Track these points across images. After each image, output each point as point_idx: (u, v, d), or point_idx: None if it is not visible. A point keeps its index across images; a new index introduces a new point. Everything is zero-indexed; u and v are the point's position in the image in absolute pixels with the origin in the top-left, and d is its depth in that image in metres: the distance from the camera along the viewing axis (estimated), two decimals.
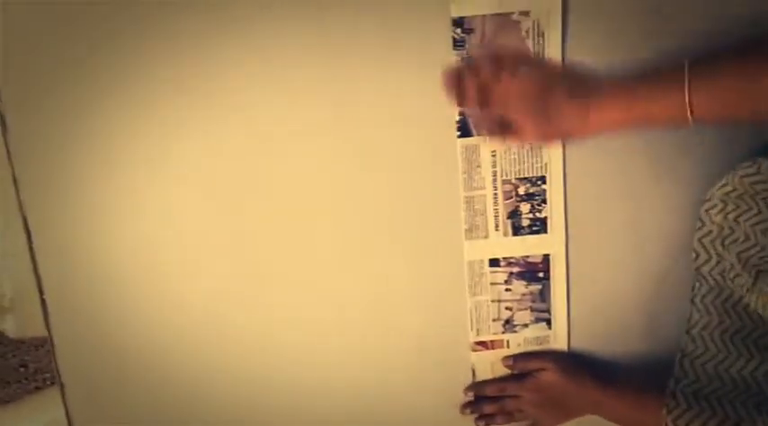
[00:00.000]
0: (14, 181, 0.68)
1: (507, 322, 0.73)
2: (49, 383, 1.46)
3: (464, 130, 0.67)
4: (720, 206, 0.63)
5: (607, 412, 0.69)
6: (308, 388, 0.76)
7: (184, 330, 0.72)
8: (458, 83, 0.62)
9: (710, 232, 0.64)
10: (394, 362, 0.75)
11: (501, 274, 0.71)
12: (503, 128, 0.63)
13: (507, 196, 0.69)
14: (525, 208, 0.69)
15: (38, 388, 1.46)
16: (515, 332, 0.73)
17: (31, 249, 0.69)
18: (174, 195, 0.68)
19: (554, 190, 0.69)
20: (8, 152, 0.67)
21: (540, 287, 0.72)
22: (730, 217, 0.63)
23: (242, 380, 0.75)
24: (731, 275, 0.62)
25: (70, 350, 0.72)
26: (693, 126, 0.56)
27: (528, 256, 0.71)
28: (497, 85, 0.61)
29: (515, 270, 0.71)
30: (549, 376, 0.72)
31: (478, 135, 0.66)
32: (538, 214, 0.70)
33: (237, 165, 0.68)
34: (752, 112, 0.55)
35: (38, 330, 0.74)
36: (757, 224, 0.60)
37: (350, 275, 0.72)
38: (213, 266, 0.71)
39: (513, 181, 0.68)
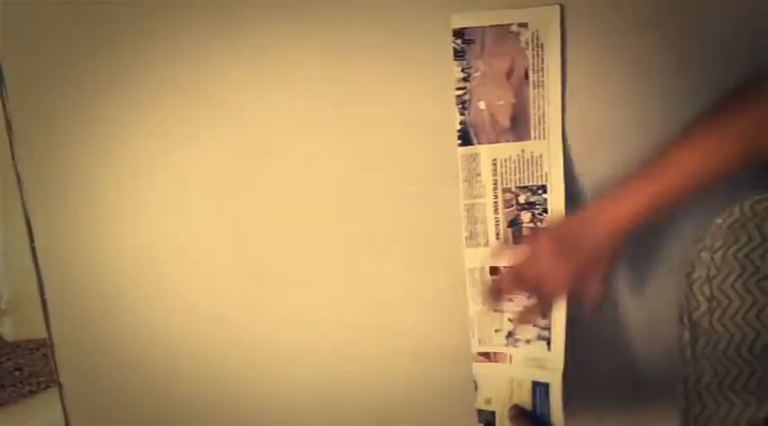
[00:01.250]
0: (18, 182, 0.68)
1: (510, 334, 0.73)
2: (43, 387, 1.45)
3: (464, 139, 0.68)
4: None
5: None
6: (306, 391, 0.76)
7: (185, 332, 0.73)
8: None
9: (701, 276, 0.64)
10: (393, 368, 0.75)
11: None
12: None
13: (508, 204, 0.69)
14: (526, 218, 0.70)
15: (32, 392, 1.45)
16: (517, 346, 0.73)
17: (32, 249, 0.70)
18: (175, 196, 0.69)
19: (554, 200, 0.69)
20: (13, 154, 0.68)
21: None
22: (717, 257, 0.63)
23: (241, 381, 0.75)
24: (729, 315, 0.61)
25: (69, 351, 0.72)
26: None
27: None
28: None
29: None
30: None
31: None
32: (539, 223, 0.70)
33: (238, 166, 0.68)
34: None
35: (35, 333, 0.74)
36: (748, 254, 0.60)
37: (350, 280, 0.72)
38: (214, 268, 0.71)
39: (514, 189, 0.69)
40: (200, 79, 0.66)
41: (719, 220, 0.62)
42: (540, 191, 0.69)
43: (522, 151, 0.68)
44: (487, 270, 0.71)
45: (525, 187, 0.69)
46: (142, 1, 0.63)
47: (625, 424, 0.75)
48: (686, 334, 0.62)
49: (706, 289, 0.62)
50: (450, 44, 0.65)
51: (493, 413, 0.75)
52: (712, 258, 0.62)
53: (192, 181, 0.69)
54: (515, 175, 0.69)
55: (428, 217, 0.71)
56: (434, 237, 0.71)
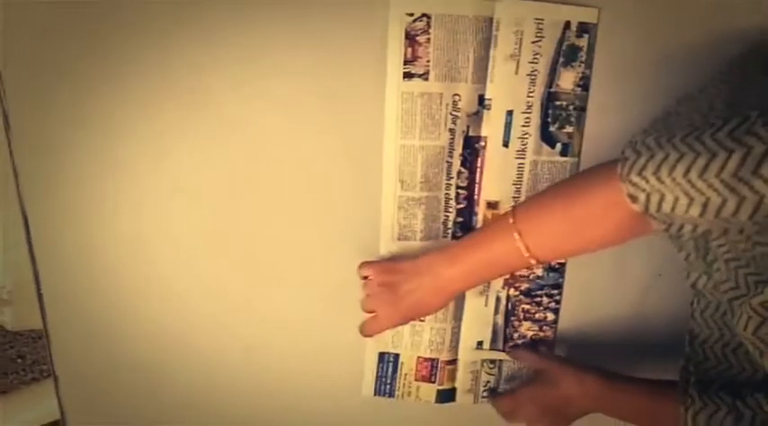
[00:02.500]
0: (15, 176, 0.69)
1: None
2: (45, 374, 1.47)
3: None
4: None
5: (614, 407, 0.69)
6: (296, 387, 0.77)
7: (179, 326, 0.74)
8: None
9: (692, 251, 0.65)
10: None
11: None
12: None
13: None
14: None
15: (34, 379, 1.47)
16: None
17: (29, 244, 0.70)
18: (170, 194, 0.69)
19: None
20: (10, 148, 0.68)
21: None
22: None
23: (235, 376, 0.76)
24: (725, 287, 0.61)
25: (66, 344, 0.73)
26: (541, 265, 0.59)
27: None
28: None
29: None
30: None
31: None
32: None
33: (232, 165, 0.69)
34: (587, 244, 0.56)
35: (35, 323, 0.75)
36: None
37: (339, 280, 0.72)
38: (209, 264, 0.72)
39: None
40: (194, 80, 0.66)
41: None
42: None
43: None
44: None
45: None
46: (138, 4, 0.64)
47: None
48: (696, 299, 0.64)
49: (702, 263, 0.62)
50: None
51: None
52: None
53: (189, 179, 0.69)
54: None
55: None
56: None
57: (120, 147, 0.68)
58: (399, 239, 0.71)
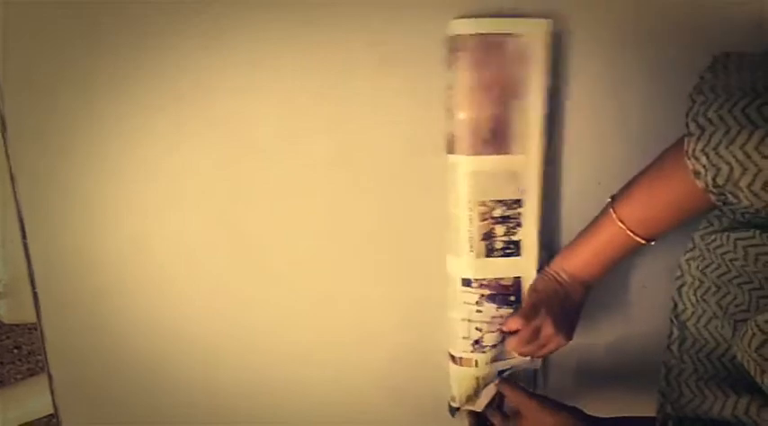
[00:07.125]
0: (11, 177, 0.69)
1: (477, 342, 0.73)
2: (41, 365, 1.48)
3: (449, 147, 0.69)
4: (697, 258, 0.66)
5: None
6: (288, 392, 0.77)
7: (174, 325, 0.74)
8: None
9: (686, 283, 0.66)
10: (373, 367, 0.78)
11: (472, 294, 0.72)
12: None
13: (482, 217, 0.70)
14: (500, 231, 0.70)
15: (30, 369, 1.48)
16: (484, 352, 0.73)
17: (24, 244, 0.71)
18: (168, 194, 0.70)
19: (529, 214, 0.70)
20: (6, 149, 0.69)
21: (510, 311, 0.72)
22: (701, 267, 0.65)
23: (228, 375, 0.77)
24: (713, 325, 0.63)
25: (60, 342, 0.74)
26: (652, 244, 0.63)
27: (500, 278, 0.72)
28: None
29: (486, 292, 0.72)
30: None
31: None
32: (512, 237, 0.71)
33: (229, 167, 0.69)
34: (685, 211, 0.59)
35: (31, 316, 0.75)
36: (722, 275, 0.62)
37: (335, 280, 0.73)
38: (206, 265, 0.72)
39: (489, 202, 0.69)
40: (191, 84, 0.66)
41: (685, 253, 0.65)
42: (515, 205, 0.70)
43: (501, 164, 0.68)
44: (459, 281, 0.72)
45: (500, 201, 0.69)
46: (135, 8, 0.64)
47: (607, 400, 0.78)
48: (675, 332, 0.66)
49: (692, 296, 0.65)
50: (440, 53, 0.66)
51: (457, 408, 0.78)
52: (698, 268, 0.64)
53: (184, 180, 0.70)
54: (492, 188, 0.69)
55: (412, 223, 0.73)
56: (417, 242, 0.73)
57: (120, 150, 0.68)
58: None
